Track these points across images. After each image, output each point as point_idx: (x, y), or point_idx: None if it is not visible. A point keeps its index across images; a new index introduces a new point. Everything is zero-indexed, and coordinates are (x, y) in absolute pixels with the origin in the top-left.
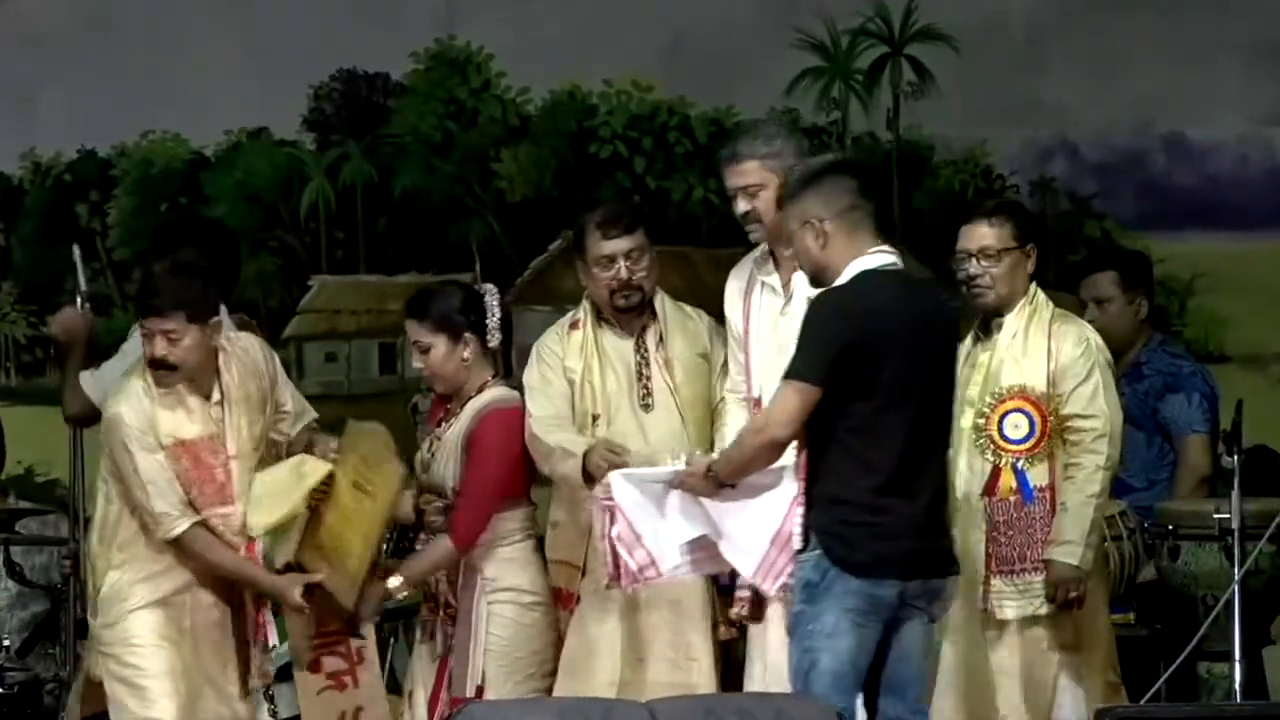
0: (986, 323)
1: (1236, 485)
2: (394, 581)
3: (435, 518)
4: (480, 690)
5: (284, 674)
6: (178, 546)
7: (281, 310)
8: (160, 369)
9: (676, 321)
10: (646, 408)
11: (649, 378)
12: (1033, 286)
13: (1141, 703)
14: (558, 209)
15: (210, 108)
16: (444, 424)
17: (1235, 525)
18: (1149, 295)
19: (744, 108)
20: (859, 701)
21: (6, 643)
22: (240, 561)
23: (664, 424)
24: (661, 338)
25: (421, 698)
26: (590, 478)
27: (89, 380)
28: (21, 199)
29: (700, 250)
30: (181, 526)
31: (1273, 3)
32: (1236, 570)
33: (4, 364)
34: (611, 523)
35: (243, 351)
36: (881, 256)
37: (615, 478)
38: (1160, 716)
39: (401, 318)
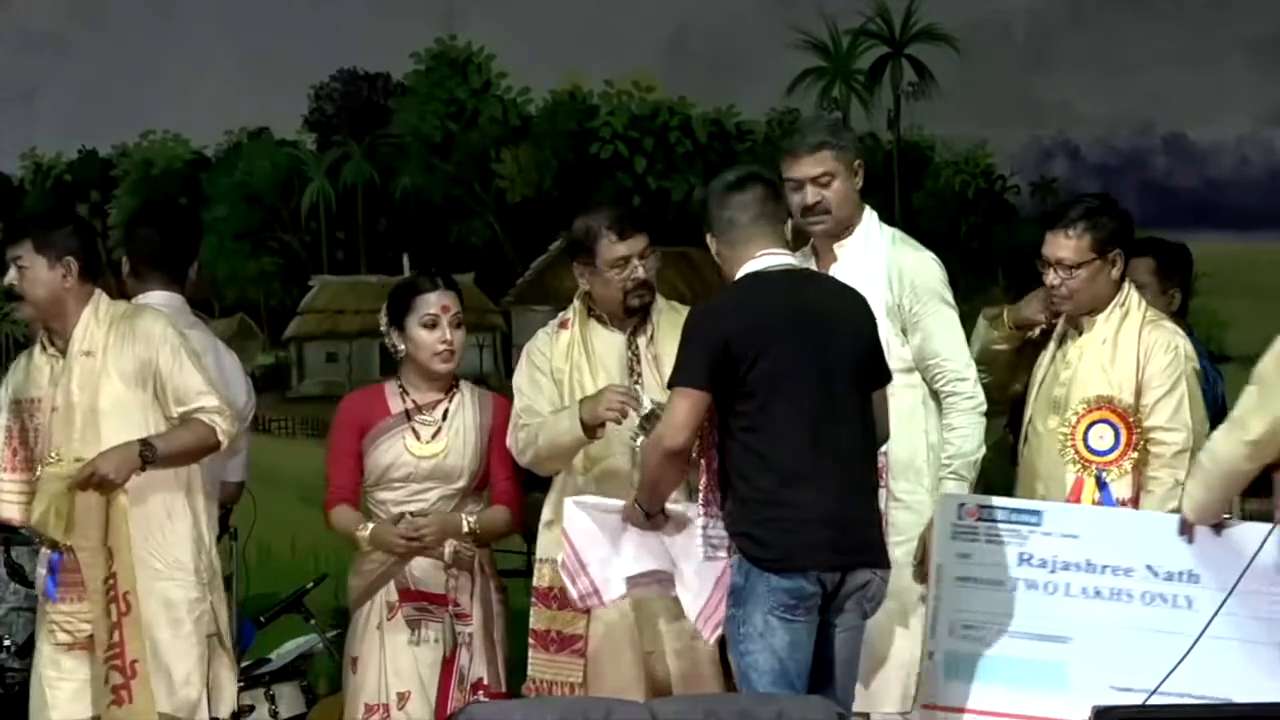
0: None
1: None
2: (471, 520)
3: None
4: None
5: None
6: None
7: (282, 310)
8: (11, 298)
9: (670, 319)
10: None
11: (640, 374)
12: (1125, 287)
13: (1144, 701)
14: (558, 209)
15: (211, 108)
16: (424, 411)
17: None
18: (1184, 289)
19: (745, 108)
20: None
21: (7, 642)
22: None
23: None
24: (652, 335)
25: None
26: (590, 430)
27: None
28: (22, 199)
29: (700, 250)
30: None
31: (1273, 4)
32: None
33: (4, 364)
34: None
35: (128, 322)
36: (769, 258)
37: (569, 505)
38: (1161, 716)
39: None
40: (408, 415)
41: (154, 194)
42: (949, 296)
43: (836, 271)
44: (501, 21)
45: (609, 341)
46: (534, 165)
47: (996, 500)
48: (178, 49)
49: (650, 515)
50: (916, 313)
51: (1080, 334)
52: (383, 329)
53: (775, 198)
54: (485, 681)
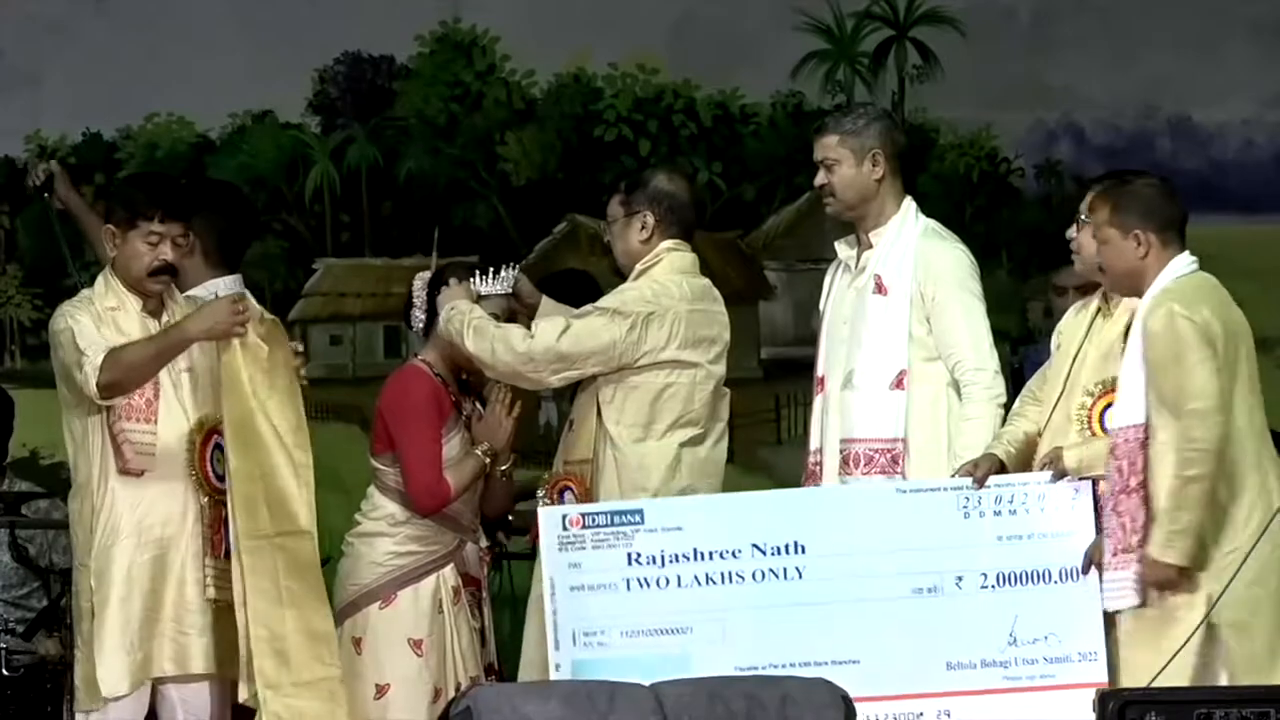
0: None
1: None
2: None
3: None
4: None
5: None
6: (106, 377)
7: (286, 293)
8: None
9: None
10: None
11: None
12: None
13: (1147, 683)
14: (563, 192)
15: (215, 90)
16: (461, 405)
17: None
18: None
19: (749, 91)
20: None
21: (12, 625)
22: (157, 336)
23: None
24: None
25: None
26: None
27: None
28: (26, 181)
29: (704, 233)
30: (100, 357)
31: None
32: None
33: (9, 347)
34: None
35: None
36: None
37: None
38: (1166, 699)
39: (404, 301)
40: (457, 408)
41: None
42: (974, 288)
43: (870, 259)
44: (506, 4)
45: None
46: (538, 148)
47: (599, 506)
48: (182, 32)
49: None
50: (939, 301)
51: (1111, 315)
52: (421, 304)
53: None
54: (495, 666)
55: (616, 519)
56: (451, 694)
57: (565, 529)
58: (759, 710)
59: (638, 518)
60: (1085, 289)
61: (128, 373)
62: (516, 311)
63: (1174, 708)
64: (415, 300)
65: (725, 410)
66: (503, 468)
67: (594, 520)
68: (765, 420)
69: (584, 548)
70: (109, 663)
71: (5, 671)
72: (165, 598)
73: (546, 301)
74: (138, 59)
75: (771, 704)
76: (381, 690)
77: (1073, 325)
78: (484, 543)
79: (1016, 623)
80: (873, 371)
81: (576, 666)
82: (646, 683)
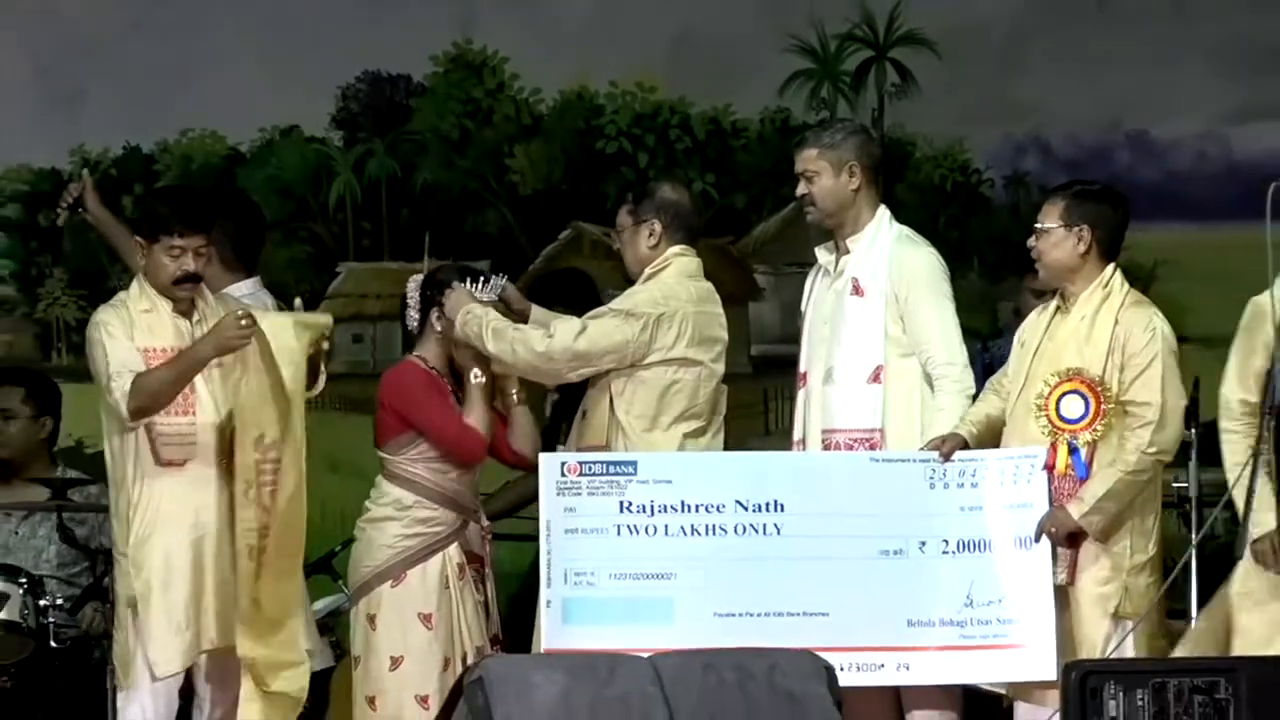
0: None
1: (1194, 456)
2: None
3: None
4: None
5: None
6: (135, 404)
7: (311, 295)
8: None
9: None
10: None
11: None
12: (1109, 269)
13: (1106, 655)
14: (567, 201)
15: (245, 107)
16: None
17: (1193, 494)
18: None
19: (740, 107)
20: None
21: (59, 601)
22: (176, 358)
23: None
24: None
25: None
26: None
27: None
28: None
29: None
30: (128, 383)
31: (1230, 13)
32: (1194, 535)
33: (56, 344)
34: None
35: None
36: None
37: None
38: (1123, 669)
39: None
40: (454, 395)
41: (218, 187)
42: (945, 289)
43: (848, 263)
44: (514, 27)
45: None
46: (544, 160)
47: (596, 455)
48: (215, 53)
49: None
50: (911, 302)
51: (1067, 314)
52: (415, 304)
53: None
54: (500, 637)
55: (611, 469)
56: (460, 663)
57: (563, 475)
58: (749, 680)
59: (631, 469)
60: (1050, 293)
61: (154, 397)
62: (505, 315)
63: (1131, 677)
64: (409, 301)
65: (723, 405)
66: (514, 390)
67: (590, 469)
68: (755, 413)
69: (579, 494)
70: (160, 644)
71: (54, 644)
72: (207, 579)
73: (537, 309)
74: (174, 78)
75: (760, 673)
76: (396, 662)
77: (1034, 325)
78: (485, 522)
79: (973, 586)
80: (851, 367)
81: (565, 604)
82: (645, 654)
